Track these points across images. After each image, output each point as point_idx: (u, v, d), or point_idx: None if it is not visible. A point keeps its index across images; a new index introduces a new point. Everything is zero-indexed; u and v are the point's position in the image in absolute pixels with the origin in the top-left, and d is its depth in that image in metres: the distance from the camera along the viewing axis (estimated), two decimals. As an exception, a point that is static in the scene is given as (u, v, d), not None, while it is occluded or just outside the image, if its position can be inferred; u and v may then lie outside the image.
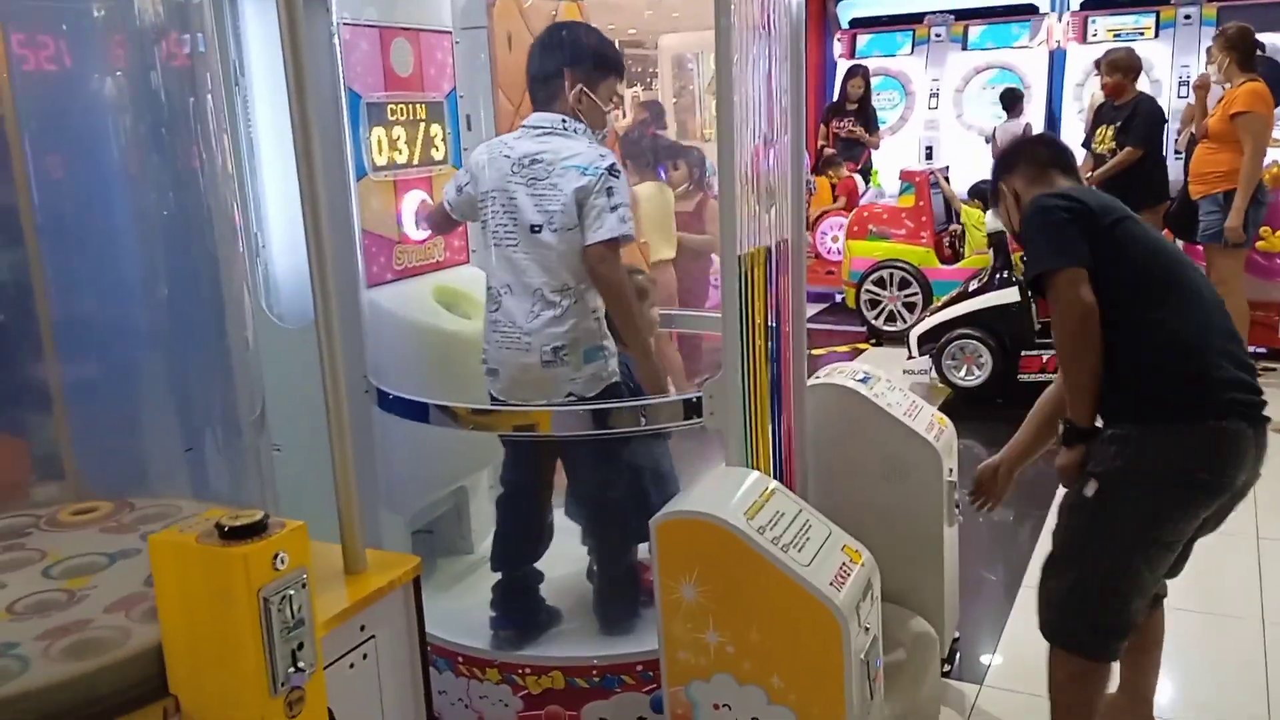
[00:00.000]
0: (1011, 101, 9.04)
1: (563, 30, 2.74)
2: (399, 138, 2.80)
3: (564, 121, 2.59)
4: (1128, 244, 2.32)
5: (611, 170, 2.52)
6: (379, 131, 2.73)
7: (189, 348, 1.87)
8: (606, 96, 2.66)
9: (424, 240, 2.94)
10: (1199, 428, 2.22)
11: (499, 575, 2.85)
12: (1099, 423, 2.35)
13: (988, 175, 8.18)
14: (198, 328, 1.88)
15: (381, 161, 2.75)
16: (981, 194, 7.53)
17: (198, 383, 1.89)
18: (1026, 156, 2.60)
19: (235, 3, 2.79)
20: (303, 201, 1.78)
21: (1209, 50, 5.91)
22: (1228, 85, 5.70)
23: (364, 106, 2.67)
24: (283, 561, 1.43)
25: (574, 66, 2.61)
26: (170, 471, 1.84)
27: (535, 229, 2.54)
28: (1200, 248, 5.79)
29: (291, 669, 1.44)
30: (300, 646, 1.45)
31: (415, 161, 2.87)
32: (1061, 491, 2.44)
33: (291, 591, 1.43)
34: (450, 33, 2.98)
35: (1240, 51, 5.57)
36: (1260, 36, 8.95)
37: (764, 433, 2.51)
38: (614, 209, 2.50)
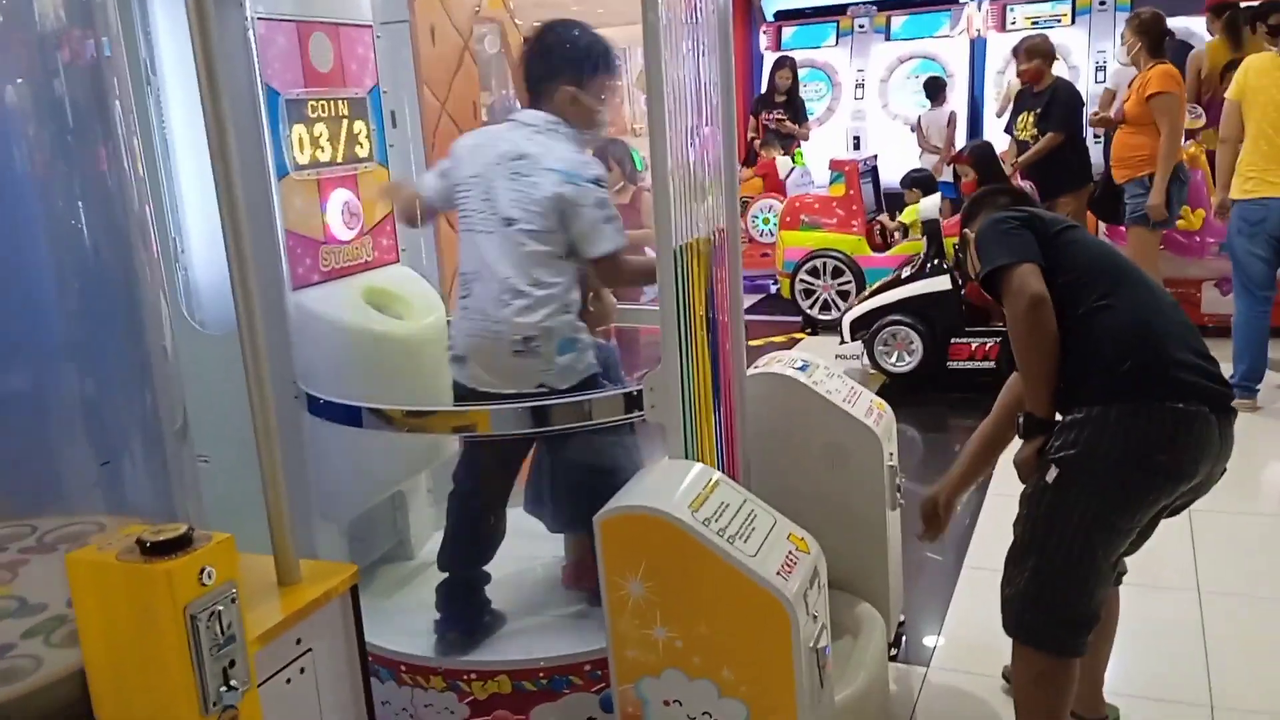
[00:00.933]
0: (935, 90, 9.18)
1: (553, 29, 2.71)
2: (321, 135, 2.73)
3: (554, 123, 2.59)
4: (1077, 247, 2.41)
5: (598, 181, 2.52)
6: (300, 129, 2.65)
7: (103, 358, 1.78)
8: (597, 96, 2.64)
9: (351, 240, 2.87)
10: (1156, 408, 2.21)
11: (445, 576, 2.79)
12: (1057, 415, 2.36)
13: (917, 164, 8.38)
14: (112, 337, 1.80)
15: (304, 160, 2.67)
16: (915, 182, 7.61)
17: (114, 394, 1.80)
18: (988, 204, 2.70)
19: (144, 0, 2.69)
20: (220, 203, 1.71)
21: (1123, 34, 6.03)
22: (1135, 69, 5.83)
23: (283, 103, 2.59)
24: (210, 576, 1.37)
25: (564, 68, 2.61)
26: (89, 488, 1.75)
27: (509, 222, 2.53)
28: (1124, 230, 5.92)
29: (223, 688, 1.38)
30: (232, 664, 1.40)
31: (339, 159, 2.79)
32: (1013, 480, 2.44)
33: (220, 607, 1.37)
34: (371, 27, 2.91)
35: (1151, 37, 5.70)
36: (1172, 21, 9.23)
37: (706, 424, 2.48)
38: (608, 220, 2.52)
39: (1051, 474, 2.27)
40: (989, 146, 6.71)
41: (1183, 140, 5.74)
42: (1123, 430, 2.22)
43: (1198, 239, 6.06)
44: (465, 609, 2.77)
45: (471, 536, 2.81)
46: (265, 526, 1.74)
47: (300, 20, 2.63)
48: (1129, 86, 5.95)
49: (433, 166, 2.78)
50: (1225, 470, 2.35)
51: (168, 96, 2.75)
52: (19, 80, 1.86)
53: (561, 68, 2.61)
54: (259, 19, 2.48)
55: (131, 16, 2.60)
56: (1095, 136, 8.24)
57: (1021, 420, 2.39)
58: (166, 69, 2.76)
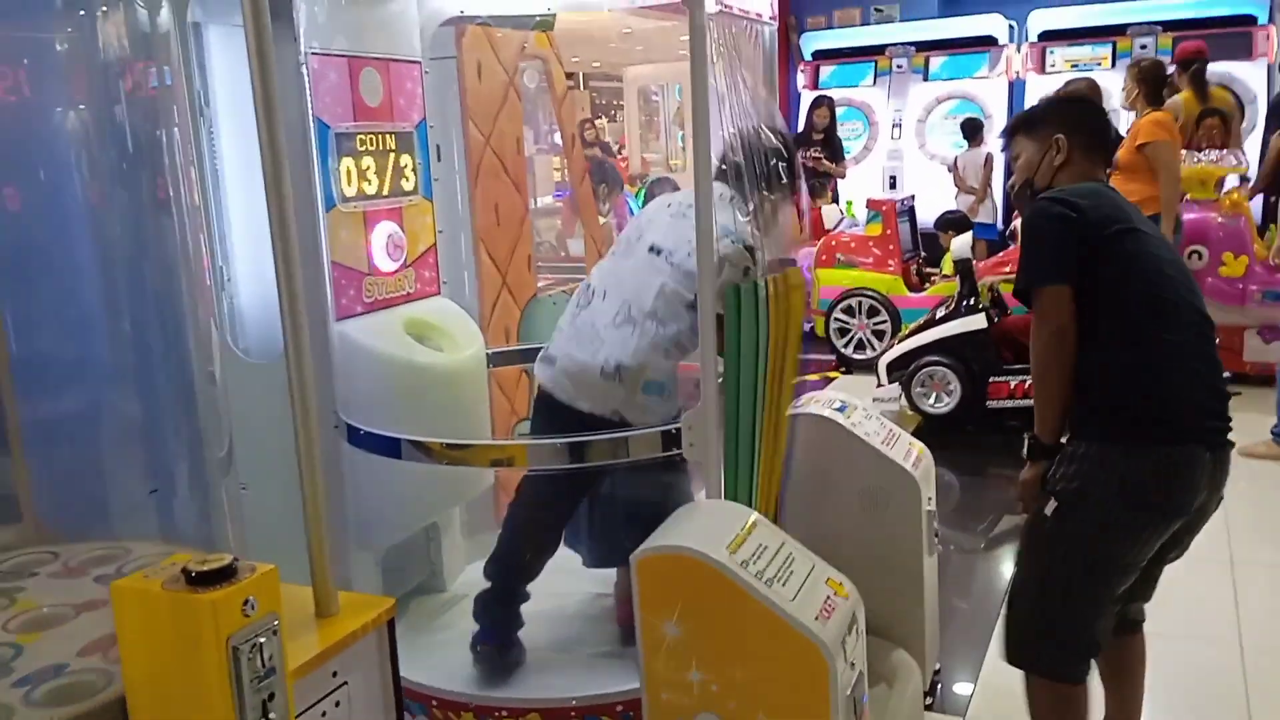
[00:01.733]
0: (972, 131, 9.15)
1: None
2: (368, 168, 2.76)
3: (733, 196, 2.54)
4: (1121, 259, 2.29)
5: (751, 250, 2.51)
6: (348, 162, 2.68)
7: (154, 384, 1.81)
8: None
9: (394, 272, 2.89)
10: (1153, 451, 2.23)
11: (486, 586, 2.80)
12: (1065, 436, 2.34)
13: (953, 205, 8.29)
14: (164, 363, 1.82)
15: (351, 192, 2.70)
16: (950, 224, 7.58)
17: (163, 420, 1.82)
18: (1094, 125, 2.57)
19: (200, 32, 2.73)
20: (272, 234, 1.73)
21: (1124, 80, 6.06)
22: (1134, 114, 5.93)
23: (332, 137, 2.62)
24: (253, 607, 1.37)
25: None
26: (134, 513, 1.76)
27: (655, 250, 2.60)
28: None
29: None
30: (271, 697, 1.39)
31: (385, 192, 2.82)
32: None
33: (262, 639, 1.37)
34: (420, 63, 2.94)
35: (1149, 84, 5.79)
36: (1212, 66, 9.19)
37: (746, 464, 2.47)
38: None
39: (1050, 506, 2.28)
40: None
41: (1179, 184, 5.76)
42: (1118, 471, 2.23)
43: (1240, 285, 5.99)
44: (502, 622, 2.78)
45: (525, 550, 2.81)
46: (301, 554, 1.74)
47: (352, 56, 2.67)
48: (1126, 133, 5.94)
49: None
50: (1221, 499, 2.35)
51: (220, 128, 2.79)
52: (82, 106, 1.91)
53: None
54: (312, 54, 2.52)
55: (188, 49, 2.65)
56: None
57: (1027, 443, 2.38)
58: (219, 101, 2.80)
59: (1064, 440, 2.34)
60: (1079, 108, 2.69)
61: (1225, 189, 6.34)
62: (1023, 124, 2.58)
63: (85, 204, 1.93)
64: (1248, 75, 9.24)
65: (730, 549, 2.09)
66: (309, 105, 2.52)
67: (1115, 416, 2.26)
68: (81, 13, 1.91)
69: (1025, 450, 2.39)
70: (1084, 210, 2.31)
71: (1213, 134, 6.57)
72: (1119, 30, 9.67)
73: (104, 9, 1.87)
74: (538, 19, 3.23)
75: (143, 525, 1.75)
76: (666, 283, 2.55)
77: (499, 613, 2.78)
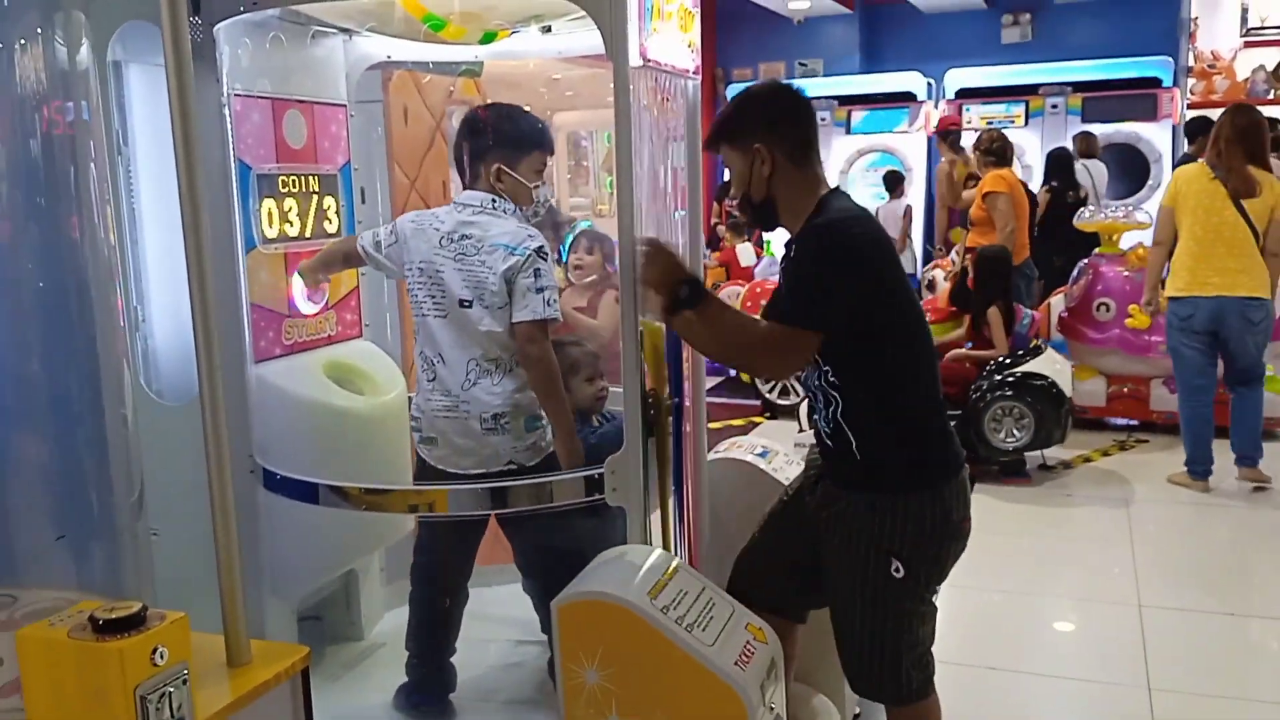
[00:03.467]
0: (893, 183, 9.42)
1: (482, 111, 2.80)
2: (290, 210, 2.74)
3: (493, 201, 2.63)
4: (894, 294, 2.24)
5: (539, 252, 2.57)
6: (270, 203, 2.67)
7: (64, 426, 1.76)
8: (529, 173, 2.69)
9: (315, 314, 2.86)
10: (954, 483, 2.31)
11: (410, 656, 2.78)
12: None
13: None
14: (74, 405, 1.77)
15: (272, 234, 2.68)
16: None
17: (72, 463, 1.77)
18: (797, 121, 2.34)
19: (120, 71, 2.70)
20: (189, 274, 1.72)
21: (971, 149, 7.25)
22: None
23: (254, 178, 2.61)
24: (162, 656, 1.34)
25: (494, 147, 2.66)
26: (39, 558, 1.71)
27: (465, 304, 2.57)
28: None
29: (169, 773, 1.34)
30: (179, 748, 1.36)
31: (308, 234, 2.80)
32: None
33: (171, 689, 1.34)
34: (345, 106, 2.94)
35: (994, 155, 6.72)
36: (1119, 126, 9.61)
37: (665, 509, 2.48)
38: (539, 290, 2.55)
39: (897, 569, 2.25)
40: (1004, 253, 6.49)
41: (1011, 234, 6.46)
42: (938, 511, 2.27)
43: (1146, 337, 6.21)
44: (432, 685, 2.76)
45: (433, 616, 2.79)
46: (212, 602, 1.71)
47: (276, 98, 2.66)
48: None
49: (369, 232, 2.79)
50: None
51: (138, 167, 2.75)
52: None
53: (491, 146, 2.67)
54: (235, 95, 2.50)
55: (108, 87, 2.61)
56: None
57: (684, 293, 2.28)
58: (138, 140, 2.76)
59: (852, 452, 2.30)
60: (772, 106, 2.37)
61: (1130, 244, 6.61)
62: (723, 134, 2.38)
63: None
64: (1153, 135, 9.68)
65: (651, 594, 2.09)
66: (230, 146, 2.50)
67: (917, 465, 2.29)
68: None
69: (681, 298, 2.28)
70: (871, 230, 2.26)
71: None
72: (1031, 90, 10.07)
73: (21, 42, 1.84)
74: (465, 66, 3.26)
75: (48, 571, 1.70)
76: (489, 325, 2.57)
77: (429, 677, 2.77)
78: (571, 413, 2.65)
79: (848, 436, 2.28)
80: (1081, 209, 7.10)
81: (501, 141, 2.66)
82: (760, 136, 2.29)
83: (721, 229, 9.55)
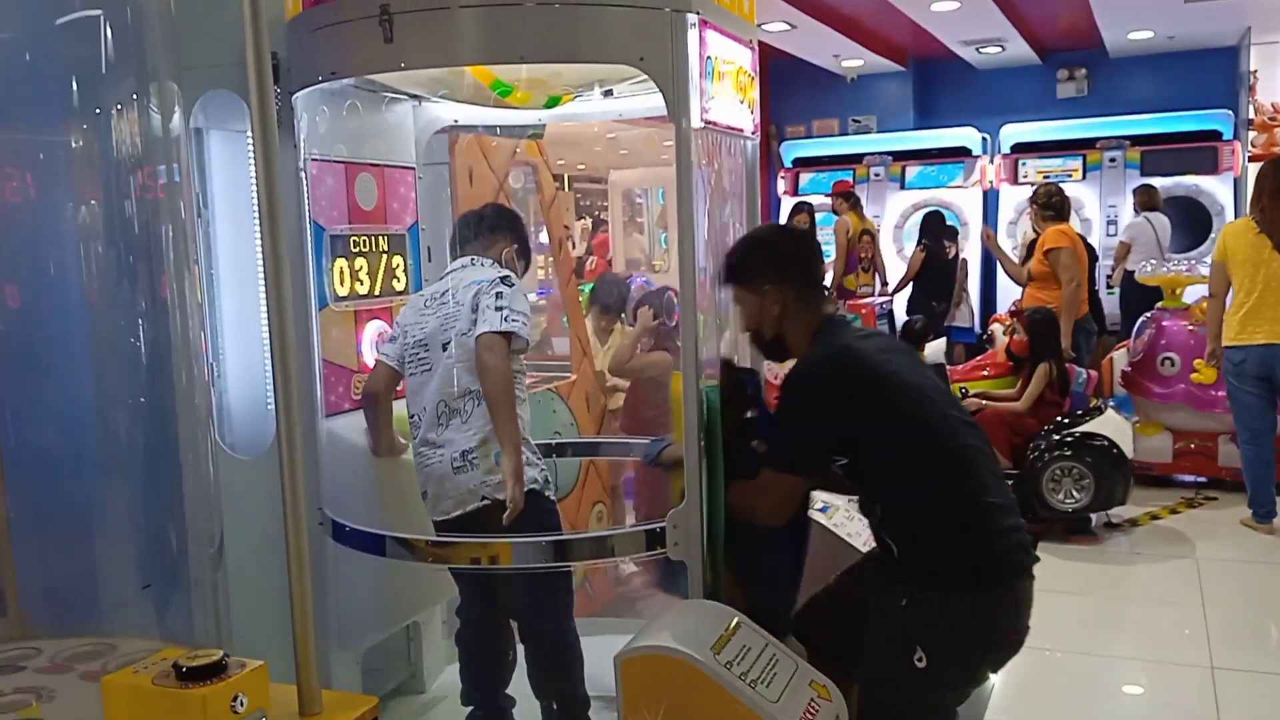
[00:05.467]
0: (934, 230, 9.36)
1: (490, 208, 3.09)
2: (361, 269, 2.83)
3: (473, 260, 2.78)
4: (902, 407, 2.25)
5: (503, 280, 2.68)
6: (341, 263, 2.76)
7: (150, 478, 1.83)
8: (519, 265, 2.91)
9: (383, 370, 2.93)
10: (1002, 592, 2.24)
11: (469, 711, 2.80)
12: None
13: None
14: (159, 458, 1.84)
15: (343, 292, 2.77)
16: (913, 335, 7.70)
17: (157, 514, 1.84)
18: (802, 263, 2.48)
19: (202, 137, 2.82)
20: (270, 332, 1.78)
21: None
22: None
23: (327, 238, 2.70)
24: (242, 704, 1.38)
25: (506, 233, 2.91)
26: (123, 607, 1.77)
27: (444, 346, 2.68)
28: None
29: (248, 819, 1.37)
30: (258, 794, 1.39)
31: (377, 292, 2.89)
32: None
33: (252, 735, 1.38)
34: (414, 168, 3.04)
35: (1053, 209, 6.53)
36: (1180, 179, 9.52)
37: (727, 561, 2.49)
38: (499, 309, 2.61)
39: (921, 658, 2.21)
40: (1051, 316, 6.53)
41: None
42: (978, 617, 2.22)
43: (1212, 392, 6.09)
44: None
45: (483, 666, 2.82)
46: (278, 650, 1.74)
47: (349, 162, 2.76)
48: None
49: (381, 341, 2.91)
50: None
51: (216, 229, 2.86)
52: (88, 206, 1.97)
53: (503, 231, 2.90)
54: (312, 160, 2.61)
55: (190, 153, 2.73)
56: (1109, 288, 8.41)
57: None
58: (216, 203, 2.88)
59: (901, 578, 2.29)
60: (782, 250, 2.52)
61: (1194, 299, 6.52)
62: (734, 275, 2.49)
63: (85, 301, 1.98)
64: (1214, 188, 9.56)
65: (715, 649, 2.09)
66: (306, 208, 2.60)
67: (959, 567, 2.23)
68: (97, 110, 1.98)
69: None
70: (856, 362, 2.29)
71: (867, 247, 8.58)
72: (1089, 144, 10.00)
73: (118, 107, 1.95)
74: (530, 130, 3.35)
75: (132, 620, 1.76)
76: (460, 356, 2.65)
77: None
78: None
79: (887, 542, 2.31)
80: (1144, 263, 7.05)
81: (513, 233, 2.92)
82: (771, 279, 2.40)
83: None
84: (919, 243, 8.71)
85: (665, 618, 2.27)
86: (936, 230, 8.69)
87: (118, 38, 1.94)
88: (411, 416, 2.74)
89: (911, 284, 8.54)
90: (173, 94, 2.01)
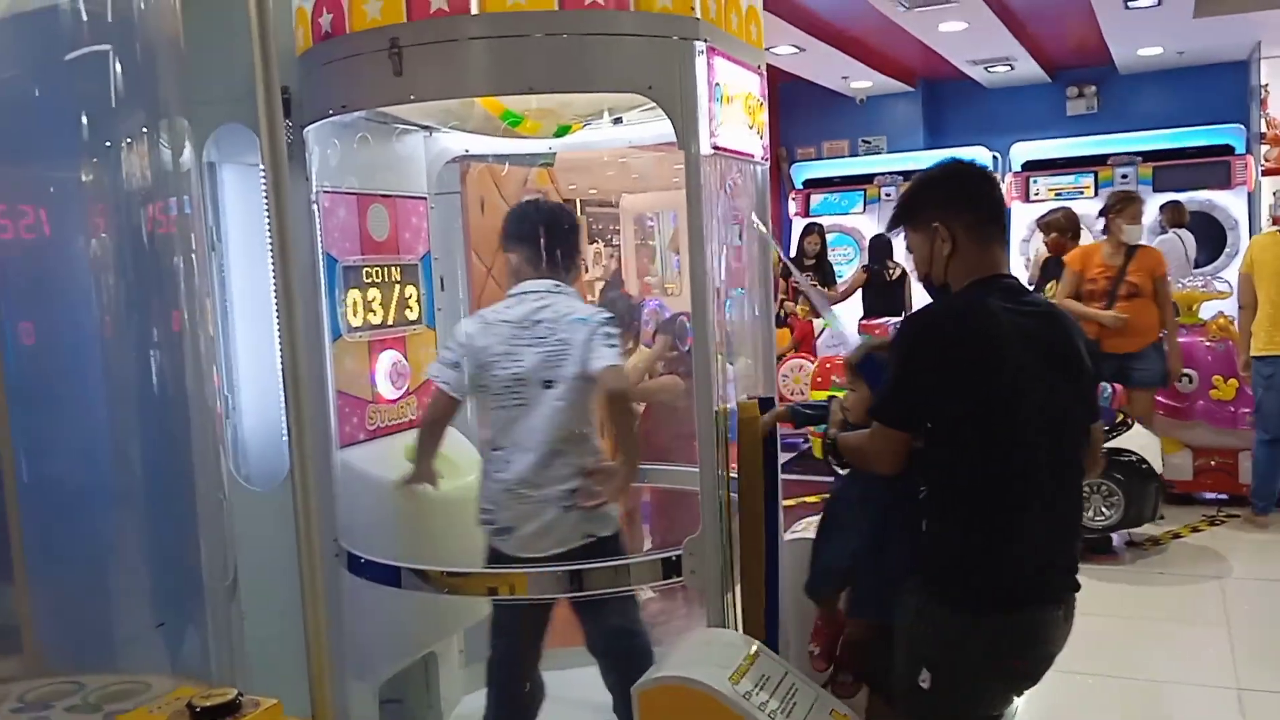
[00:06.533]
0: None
1: (525, 207, 2.95)
2: (374, 299, 2.84)
3: (556, 285, 2.73)
4: (976, 401, 2.06)
5: (609, 322, 2.69)
6: (355, 294, 2.76)
7: (163, 512, 1.83)
8: (568, 257, 2.83)
9: (397, 399, 2.93)
10: (1010, 619, 2.10)
11: None
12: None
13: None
14: (172, 491, 1.84)
15: (357, 322, 2.78)
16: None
17: (170, 548, 1.84)
18: (978, 201, 2.23)
19: (215, 171, 2.84)
20: (284, 364, 1.78)
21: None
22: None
23: (340, 269, 2.71)
24: (257, 742, 1.36)
25: (579, 241, 2.88)
26: (136, 643, 1.76)
27: (548, 384, 2.64)
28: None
29: None
30: (273, 834, 1.38)
31: (390, 322, 2.89)
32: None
33: (266, 774, 1.36)
34: (426, 198, 3.05)
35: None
36: (1193, 195, 9.49)
37: (745, 589, 2.47)
38: (609, 345, 2.64)
39: (926, 679, 2.13)
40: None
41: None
42: (985, 642, 2.10)
43: (1231, 409, 6.04)
44: None
45: (515, 698, 2.81)
46: (294, 682, 1.73)
47: (361, 193, 2.77)
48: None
49: (440, 361, 2.79)
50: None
51: (229, 261, 2.88)
52: (101, 241, 1.97)
53: (578, 238, 2.88)
54: (324, 191, 2.62)
55: (203, 186, 2.75)
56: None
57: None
58: (229, 235, 2.89)
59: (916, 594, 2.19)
60: (955, 183, 2.27)
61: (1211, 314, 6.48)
62: (903, 213, 2.31)
63: (100, 336, 1.98)
64: (1228, 203, 9.52)
65: (733, 679, 2.07)
66: (319, 240, 2.61)
67: (981, 583, 2.11)
68: (107, 145, 1.99)
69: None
70: (979, 334, 2.08)
71: None
72: (1100, 160, 9.98)
73: (128, 141, 1.96)
74: (541, 158, 3.37)
75: (145, 656, 1.75)
76: (570, 400, 2.64)
77: None
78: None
79: (927, 536, 2.19)
80: (1176, 281, 6.97)
81: (545, 230, 2.79)
82: (938, 215, 2.19)
83: (789, 305, 9.57)
84: (864, 265, 9.13)
85: (683, 647, 2.26)
86: (882, 253, 8.99)
87: (127, 72, 1.95)
88: (493, 446, 2.71)
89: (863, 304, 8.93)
90: (183, 128, 2.01)
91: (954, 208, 2.19)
